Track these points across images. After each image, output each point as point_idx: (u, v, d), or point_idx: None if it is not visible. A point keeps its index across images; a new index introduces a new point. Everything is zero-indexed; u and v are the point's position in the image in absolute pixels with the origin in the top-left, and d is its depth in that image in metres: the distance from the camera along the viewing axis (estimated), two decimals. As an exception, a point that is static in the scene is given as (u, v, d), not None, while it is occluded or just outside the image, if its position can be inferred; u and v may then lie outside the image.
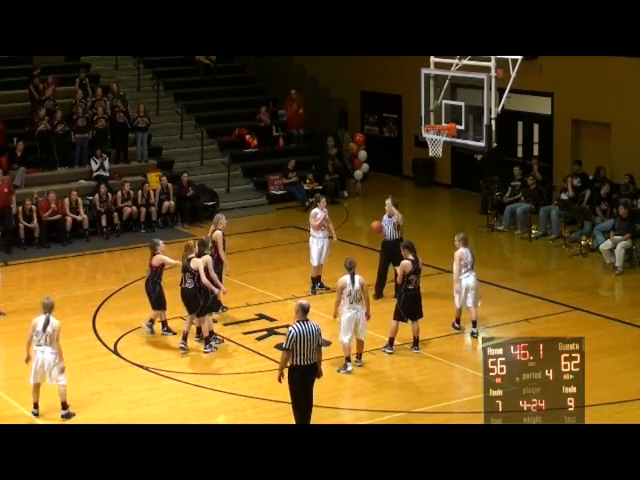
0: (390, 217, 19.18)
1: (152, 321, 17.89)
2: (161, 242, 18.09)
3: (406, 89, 27.94)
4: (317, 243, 19.55)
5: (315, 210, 19.75)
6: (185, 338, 17.18)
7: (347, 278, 16.12)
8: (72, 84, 27.94)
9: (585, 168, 24.33)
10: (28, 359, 14.82)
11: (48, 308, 14.74)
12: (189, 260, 16.96)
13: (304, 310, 13.42)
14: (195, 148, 28.46)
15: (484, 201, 26.10)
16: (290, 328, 13.38)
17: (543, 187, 24.59)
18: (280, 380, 13.44)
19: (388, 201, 19.20)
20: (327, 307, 17.22)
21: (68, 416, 14.71)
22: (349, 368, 16.29)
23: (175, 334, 17.62)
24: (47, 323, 14.58)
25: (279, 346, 15.34)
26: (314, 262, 19.58)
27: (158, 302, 17.74)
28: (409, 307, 16.70)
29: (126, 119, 26.99)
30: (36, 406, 14.82)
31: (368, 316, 16.27)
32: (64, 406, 14.74)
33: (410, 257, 16.69)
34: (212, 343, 17.26)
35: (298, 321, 13.37)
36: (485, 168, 26.15)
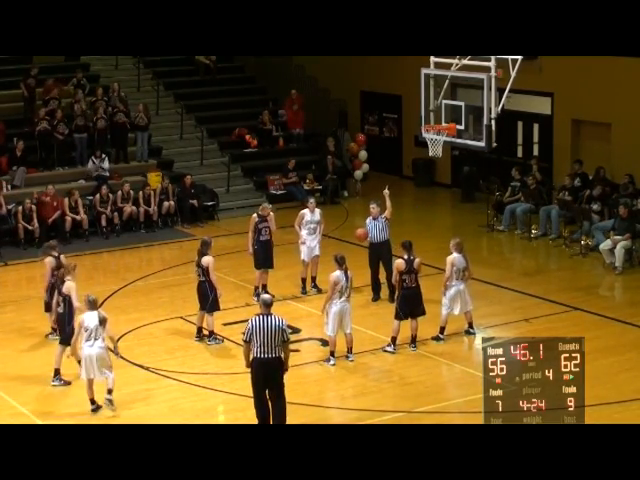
0: (375, 220, 19.27)
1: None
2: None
3: (406, 89, 27.94)
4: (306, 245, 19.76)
5: (303, 211, 19.89)
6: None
7: (340, 274, 16.30)
8: (72, 84, 27.96)
9: (585, 168, 24.34)
10: (71, 355, 15.22)
11: (95, 304, 14.89)
12: (63, 283, 16.18)
13: (265, 304, 13.63)
14: (195, 148, 28.48)
15: (465, 192, 27.26)
16: (249, 320, 13.64)
17: (543, 187, 24.61)
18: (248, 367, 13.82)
19: (373, 205, 19.28)
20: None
21: (97, 410, 14.84)
22: (332, 362, 16.49)
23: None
24: (102, 319, 14.73)
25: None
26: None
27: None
28: (405, 306, 16.84)
29: (126, 119, 27.01)
30: (93, 402, 14.92)
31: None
32: (92, 402, 14.89)
33: (404, 256, 16.79)
34: (213, 340, 17.53)
35: (259, 314, 13.56)
36: (465, 162, 27.20)
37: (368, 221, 19.40)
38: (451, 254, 17.45)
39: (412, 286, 16.86)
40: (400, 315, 16.88)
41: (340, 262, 16.40)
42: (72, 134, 26.32)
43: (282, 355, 13.53)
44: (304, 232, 19.71)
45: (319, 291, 19.54)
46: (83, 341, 14.78)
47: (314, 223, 19.76)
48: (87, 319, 14.76)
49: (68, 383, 15.82)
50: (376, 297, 19.28)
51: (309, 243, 19.69)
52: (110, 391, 14.84)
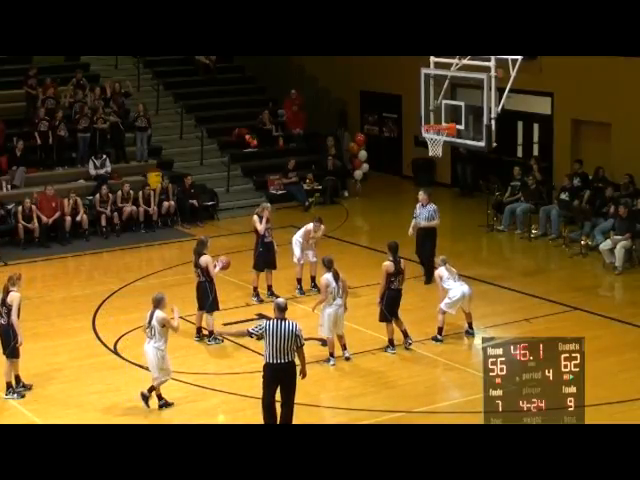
0: (423, 206, 20.17)
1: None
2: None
3: (406, 89, 27.93)
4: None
5: (309, 228, 19.78)
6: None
7: (330, 277, 16.36)
8: (71, 84, 27.96)
9: (585, 168, 24.33)
10: None
11: (155, 302, 14.80)
12: (7, 293, 15.36)
13: (279, 308, 13.56)
14: (195, 148, 28.48)
15: (462, 186, 27.67)
16: (263, 321, 13.69)
17: (543, 187, 24.60)
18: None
19: (421, 192, 20.56)
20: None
21: (146, 398, 14.89)
22: (332, 362, 16.52)
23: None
24: (152, 317, 14.69)
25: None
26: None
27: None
28: (392, 307, 16.86)
29: (118, 120, 26.98)
30: (160, 398, 14.99)
31: (345, 307, 16.59)
32: (151, 389, 14.93)
33: (390, 258, 16.84)
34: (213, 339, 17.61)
35: (274, 318, 13.53)
36: (463, 162, 27.70)
37: (418, 207, 20.36)
38: (436, 269, 17.57)
39: (399, 288, 16.90)
40: (387, 317, 16.89)
41: (328, 265, 16.46)
42: (75, 134, 26.33)
43: (295, 360, 13.46)
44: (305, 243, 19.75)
45: (319, 291, 19.54)
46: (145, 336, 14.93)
47: (316, 239, 19.87)
48: (148, 316, 14.83)
49: (22, 396, 15.48)
50: (428, 281, 19.94)
51: (304, 251, 19.76)
52: (152, 389, 14.87)
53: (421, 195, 20.40)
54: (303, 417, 14.09)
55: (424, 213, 20.19)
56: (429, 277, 19.87)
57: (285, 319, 13.47)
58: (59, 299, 20.25)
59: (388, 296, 16.83)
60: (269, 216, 19.51)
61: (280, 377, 13.42)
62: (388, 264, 16.83)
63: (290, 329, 13.35)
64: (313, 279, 19.90)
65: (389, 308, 16.82)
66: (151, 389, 14.95)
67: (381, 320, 16.95)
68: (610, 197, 23.01)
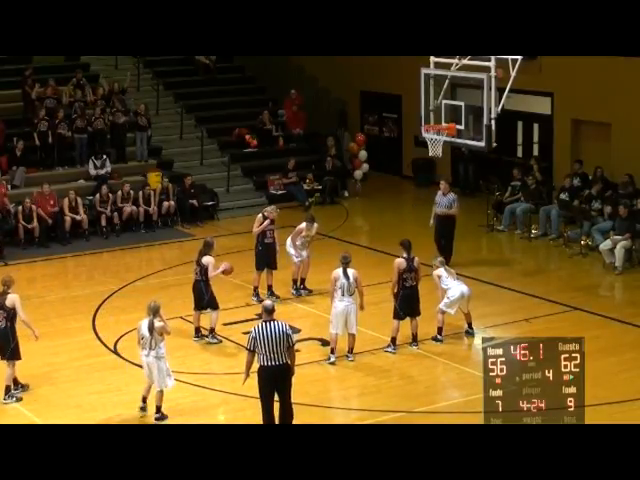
0: (444, 195, 21.11)
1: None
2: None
3: (406, 89, 27.93)
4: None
5: (301, 227, 19.77)
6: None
7: (340, 271, 16.38)
8: (71, 84, 27.96)
9: (585, 168, 24.34)
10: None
11: (152, 311, 14.53)
12: (4, 297, 15.28)
13: (267, 311, 13.43)
14: (195, 148, 28.49)
15: (463, 186, 27.78)
16: (252, 329, 13.49)
17: (543, 187, 24.60)
18: (244, 380, 13.60)
19: (442, 181, 21.67)
20: (326, 306, 17.26)
21: (161, 419, 14.60)
22: (332, 360, 16.51)
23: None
24: (152, 326, 14.43)
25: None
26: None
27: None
28: (405, 305, 16.87)
29: (126, 117, 27.03)
30: (144, 400, 14.79)
31: (361, 307, 16.59)
32: (157, 410, 14.62)
33: (404, 255, 16.82)
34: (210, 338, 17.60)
35: (262, 321, 13.42)
36: (464, 161, 27.84)
37: (438, 195, 21.37)
38: (434, 270, 17.54)
39: (413, 285, 16.89)
40: (400, 314, 16.91)
41: (341, 261, 16.48)
42: (73, 134, 26.33)
43: (288, 360, 13.41)
44: (298, 243, 19.70)
45: (309, 292, 19.61)
46: (140, 349, 14.63)
47: (310, 237, 19.84)
48: (142, 327, 14.51)
49: (20, 399, 15.41)
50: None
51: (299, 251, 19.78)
52: (158, 409, 14.62)
53: (442, 184, 21.33)
54: (303, 417, 14.09)
55: (444, 201, 21.04)
56: (448, 258, 19.90)
57: (274, 320, 13.39)
58: (59, 299, 20.25)
59: (402, 294, 16.85)
60: (273, 218, 19.46)
61: (275, 379, 13.36)
62: (399, 260, 16.86)
63: (280, 329, 13.29)
64: (302, 281, 19.85)
65: (402, 306, 16.85)
66: (159, 409, 14.68)
67: (394, 317, 16.97)
68: (598, 192, 22.99)
